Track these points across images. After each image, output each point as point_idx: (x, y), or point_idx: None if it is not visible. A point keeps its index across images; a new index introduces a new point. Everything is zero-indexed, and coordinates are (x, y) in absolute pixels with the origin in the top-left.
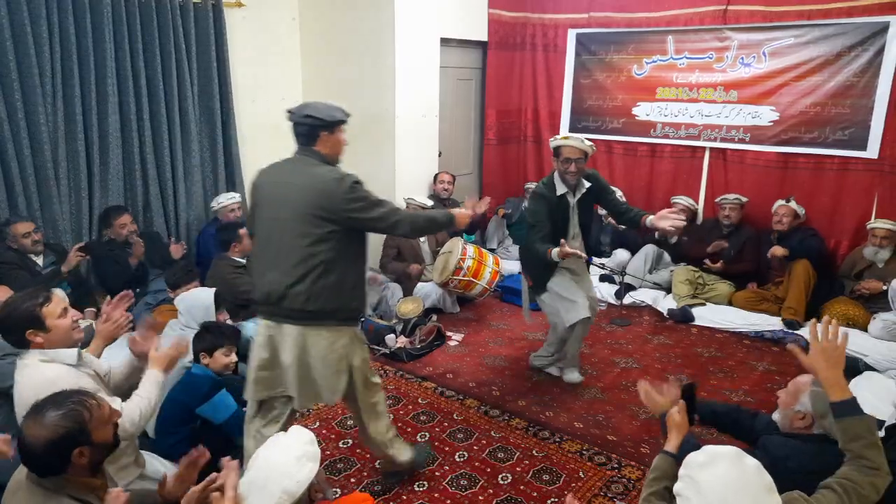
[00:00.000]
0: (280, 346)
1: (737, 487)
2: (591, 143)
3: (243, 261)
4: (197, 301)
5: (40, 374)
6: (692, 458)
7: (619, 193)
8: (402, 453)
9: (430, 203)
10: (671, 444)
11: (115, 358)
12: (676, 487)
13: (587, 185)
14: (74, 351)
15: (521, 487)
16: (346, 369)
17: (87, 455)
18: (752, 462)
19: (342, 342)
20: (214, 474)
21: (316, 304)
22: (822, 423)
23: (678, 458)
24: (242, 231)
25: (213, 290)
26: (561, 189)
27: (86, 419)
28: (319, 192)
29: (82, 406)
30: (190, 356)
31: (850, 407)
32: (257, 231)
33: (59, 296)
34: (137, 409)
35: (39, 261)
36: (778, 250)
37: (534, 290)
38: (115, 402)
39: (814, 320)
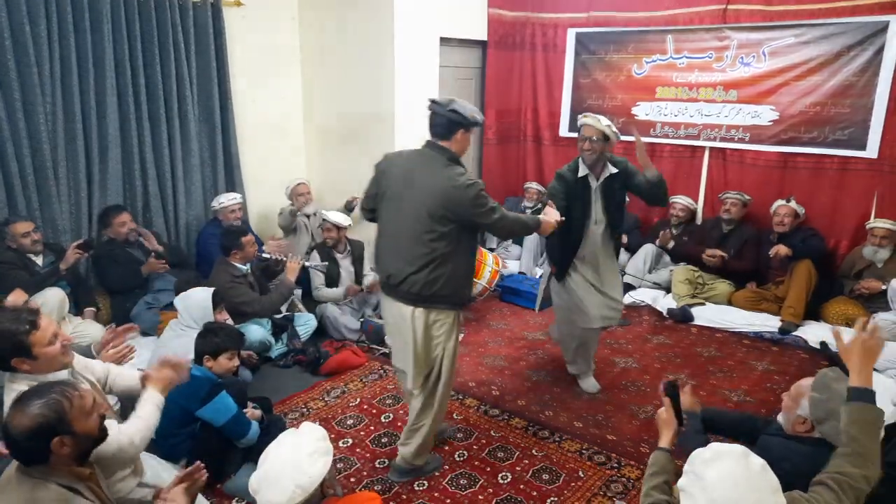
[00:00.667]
0: (400, 324)
1: (742, 486)
2: (611, 125)
3: (244, 268)
4: (195, 301)
5: None
6: (698, 454)
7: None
8: (426, 453)
9: None
10: (664, 441)
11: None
12: (681, 483)
13: (613, 170)
14: (65, 373)
15: (521, 487)
16: (442, 344)
17: (69, 444)
18: (757, 461)
19: (448, 322)
20: (194, 469)
21: (431, 290)
22: (821, 429)
23: (690, 449)
24: (245, 239)
25: (212, 289)
26: (583, 171)
27: (66, 409)
28: (449, 196)
29: (63, 396)
30: (191, 355)
31: (867, 394)
32: (382, 215)
33: (51, 312)
34: (137, 431)
35: (39, 260)
36: (782, 249)
37: (556, 277)
38: (112, 426)
39: (861, 319)
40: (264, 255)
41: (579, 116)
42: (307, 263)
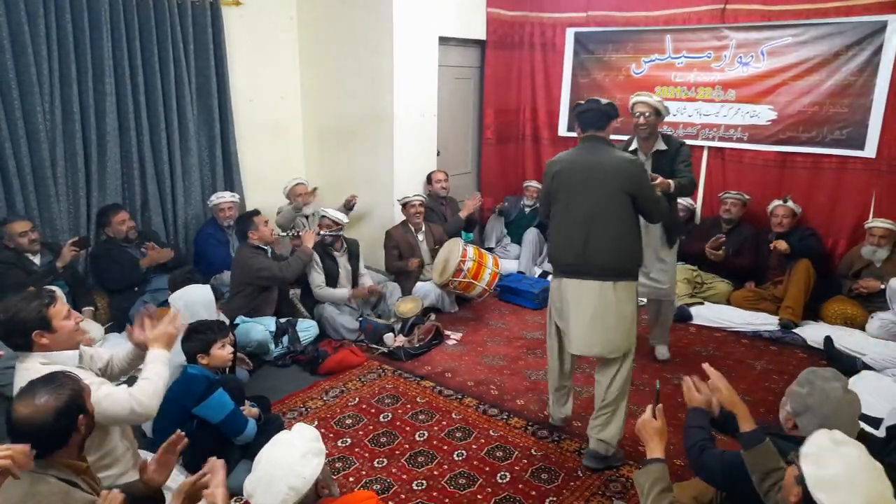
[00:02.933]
0: (577, 300)
1: (871, 474)
2: (661, 100)
3: (265, 248)
4: (198, 297)
5: None
6: (826, 433)
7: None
8: (618, 431)
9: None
10: (658, 451)
11: (120, 348)
12: (805, 450)
13: (662, 146)
14: (75, 353)
15: (520, 486)
16: (632, 313)
17: (85, 424)
18: (878, 464)
19: (633, 292)
20: (207, 466)
21: (621, 263)
22: (798, 422)
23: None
24: (258, 218)
25: (208, 286)
26: (634, 145)
27: (83, 387)
28: (629, 171)
29: (69, 378)
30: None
31: (761, 435)
32: (563, 208)
33: (61, 296)
34: (147, 390)
35: (36, 260)
36: (781, 244)
37: None
38: (122, 388)
39: (706, 365)
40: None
41: (631, 96)
42: (322, 232)
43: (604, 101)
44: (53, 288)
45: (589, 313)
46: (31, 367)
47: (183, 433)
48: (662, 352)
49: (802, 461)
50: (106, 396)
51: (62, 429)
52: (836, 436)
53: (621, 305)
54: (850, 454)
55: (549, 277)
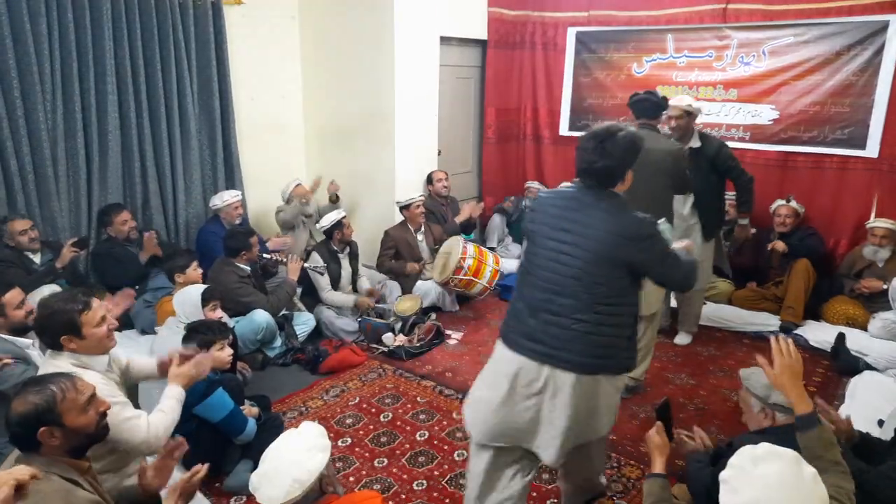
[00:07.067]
0: None
1: (790, 489)
2: (691, 103)
3: (248, 269)
4: (188, 298)
5: None
6: (748, 449)
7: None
8: (643, 371)
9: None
10: (658, 466)
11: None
12: (724, 475)
13: (696, 144)
14: (106, 358)
15: None
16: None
17: (59, 437)
18: (810, 470)
19: None
20: (196, 467)
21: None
22: (776, 399)
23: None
24: (253, 240)
25: (203, 286)
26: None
27: (56, 400)
28: (671, 155)
29: (58, 388)
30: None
31: (812, 419)
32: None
33: (98, 304)
34: (163, 424)
35: (37, 258)
36: (779, 245)
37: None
38: (143, 417)
39: (773, 336)
40: (264, 255)
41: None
42: (306, 265)
43: (659, 94)
44: (38, 299)
45: None
46: (62, 367)
47: (183, 439)
48: (682, 338)
49: (721, 487)
50: (125, 420)
51: (23, 437)
52: (757, 451)
53: None
54: (770, 471)
55: None
